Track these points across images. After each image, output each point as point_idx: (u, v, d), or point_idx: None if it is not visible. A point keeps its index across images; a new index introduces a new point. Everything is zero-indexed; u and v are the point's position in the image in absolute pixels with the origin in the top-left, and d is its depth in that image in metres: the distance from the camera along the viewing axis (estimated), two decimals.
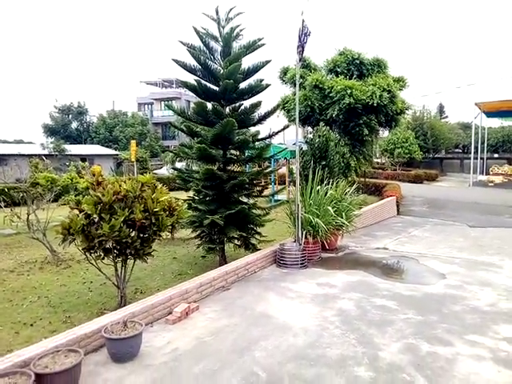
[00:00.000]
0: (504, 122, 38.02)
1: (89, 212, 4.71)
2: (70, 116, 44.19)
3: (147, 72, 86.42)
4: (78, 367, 3.20)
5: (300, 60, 6.74)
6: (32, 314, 5.15)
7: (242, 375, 3.41)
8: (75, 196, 10.12)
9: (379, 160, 36.77)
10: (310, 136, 13.55)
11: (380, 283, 5.83)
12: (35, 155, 20.46)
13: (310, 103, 14.42)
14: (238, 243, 7.38)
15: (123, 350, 3.64)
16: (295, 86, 7.99)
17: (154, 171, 25.24)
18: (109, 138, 41.43)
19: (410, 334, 4.13)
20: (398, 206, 13.99)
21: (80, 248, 4.88)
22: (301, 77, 13.84)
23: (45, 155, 27.87)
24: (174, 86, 50.06)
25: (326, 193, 7.27)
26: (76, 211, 4.94)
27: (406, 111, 15.76)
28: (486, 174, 27.37)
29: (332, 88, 13.97)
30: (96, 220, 4.69)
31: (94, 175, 5.41)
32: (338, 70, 15.08)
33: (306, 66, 15.71)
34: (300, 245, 6.74)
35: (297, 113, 7.19)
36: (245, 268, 6.20)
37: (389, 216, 13.04)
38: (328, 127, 11.11)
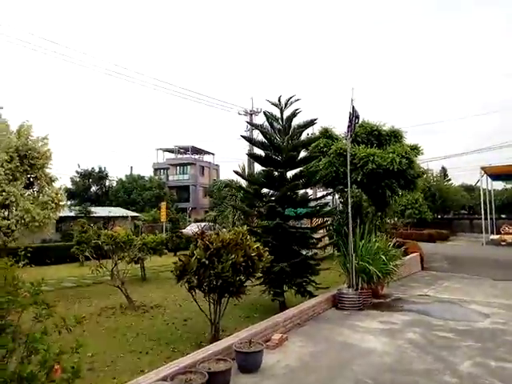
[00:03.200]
0: (507, 184, 39.81)
1: (198, 257, 5.82)
2: (91, 180, 46.48)
3: (162, 140, 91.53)
4: (229, 371, 4.12)
5: (350, 137, 8.27)
6: (140, 346, 6.00)
7: (352, 381, 4.28)
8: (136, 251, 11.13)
9: (390, 220, 37.93)
10: (336, 197, 14.91)
11: (434, 321, 6.70)
12: (79, 217, 21.74)
13: (334, 169, 16.03)
14: (296, 289, 8.31)
15: (251, 362, 4.55)
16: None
17: (180, 230, 26.40)
18: (127, 201, 43.21)
19: (476, 355, 5.00)
20: (421, 261, 14.89)
21: (187, 286, 5.90)
22: (325, 146, 15.73)
23: (72, 217, 29.36)
24: (190, 152, 53.17)
25: (375, 245, 8.39)
26: (183, 257, 6.05)
27: (423, 175, 17.31)
28: (497, 234, 28.29)
29: (355, 155, 15.64)
30: (206, 263, 5.77)
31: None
32: (359, 139, 16.90)
33: (329, 136, 17.64)
34: (356, 290, 7.70)
35: (348, 179, 8.57)
36: (312, 309, 7.11)
37: (415, 271, 13.90)
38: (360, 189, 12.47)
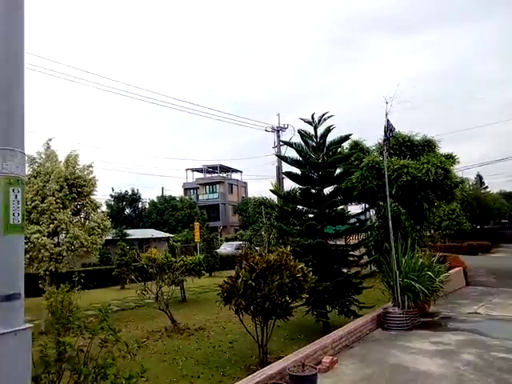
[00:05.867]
0: None
1: (244, 278, 5.89)
2: (124, 203, 47.98)
3: (190, 160, 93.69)
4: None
5: (387, 151, 8.22)
6: (190, 370, 6.07)
7: None
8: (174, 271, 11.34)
9: (426, 233, 36.72)
10: (372, 213, 14.67)
11: (489, 341, 6.40)
12: (116, 240, 22.43)
13: (367, 182, 15.83)
14: (339, 309, 8.17)
15: None
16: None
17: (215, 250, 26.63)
18: (159, 222, 44.18)
19: None
20: (465, 276, 14.28)
21: (234, 308, 5.96)
22: (356, 159, 15.62)
23: (109, 240, 30.31)
24: (218, 171, 54.03)
25: (418, 260, 8.17)
26: (228, 279, 6.13)
27: (460, 185, 16.80)
28: None
29: (388, 167, 15.41)
30: (253, 285, 5.83)
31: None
32: (391, 151, 16.65)
33: (359, 149, 17.52)
34: (403, 308, 7.49)
35: (387, 192, 8.47)
36: (359, 330, 6.97)
37: (460, 286, 13.33)
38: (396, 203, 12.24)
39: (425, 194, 15.28)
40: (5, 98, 2.67)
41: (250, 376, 4.64)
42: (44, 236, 8.14)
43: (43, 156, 9.06)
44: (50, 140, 9.21)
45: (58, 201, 8.42)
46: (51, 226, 8.32)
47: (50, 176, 8.62)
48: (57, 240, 8.76)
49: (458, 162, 16.37)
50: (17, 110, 2.71)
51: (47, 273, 8.47)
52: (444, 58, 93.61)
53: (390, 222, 8.21)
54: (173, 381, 5.50)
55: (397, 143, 16.73)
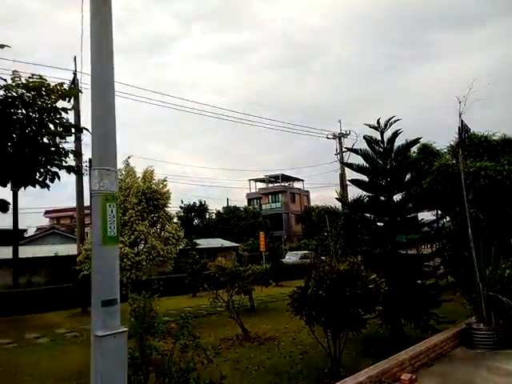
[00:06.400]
0: None
1: (315, 288, 5.84)
2: (193, 214, 50.20)
3: (252, 171, 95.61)
4: None
5: (462, 153, 7.70)
6: (263, 380, 6.10)
7: None
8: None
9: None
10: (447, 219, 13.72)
11: None
12: (187, 250, 23.49)
13: (439, 187, 14.84)
14: (415, 323, 7.72)
15: None
16: None
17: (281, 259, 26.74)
18: (225, 231, 45.49)
19: None
20: None
21: (304, 318, 5.93)
22: (426, 163, 14.75)
23: (180, 250, 31.81)
24: (280, 180, 54.35)
25: (505, 272, 7.45)
26: (298, 289, 6.13)
27: None
28: None
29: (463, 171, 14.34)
30: (323, 295, 5.76)
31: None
32: (465, 153, 15.49)
33: (429, 152, 16.53)
34: (489, 325, 6.86)
35: (464, 197, 7.91)
36: (439, 346, 6.52)
37: None
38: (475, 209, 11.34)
39: (507, 198, 13.94)
40: (101, 123, 3.02)
41: None
42: (126, 246, 8.87)
43: (123, 172, 9.94)
44: (129, 157, 10.09)
45: (138, 213, 9.15)
46: (132, 236, 9.06)
47: (129, 191, 9.42)
48: (137, 250, 9.48)
49: None
50: (111, 134, 3.05)
51: (129, 280, 9.18)
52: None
53: (470, 230, 7.61)
54: None
55: (472, 144, 15.53)
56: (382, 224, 8.27)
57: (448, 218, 15.45)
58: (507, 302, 6.83)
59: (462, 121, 7.55)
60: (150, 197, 9.58)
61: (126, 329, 2.80)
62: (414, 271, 7.70)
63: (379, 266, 7.70)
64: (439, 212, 16.77)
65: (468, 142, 15.86)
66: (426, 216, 16.71)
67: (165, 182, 9.98)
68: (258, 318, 11.33)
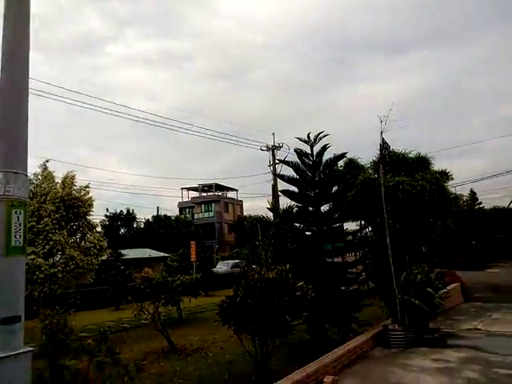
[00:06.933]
0: None
1: (243, 297, 5.84)
2: (119, 223, 47.59)
3: (184, 179, 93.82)
4: None
5: (382, 168, 8.33)
6: None
7: None
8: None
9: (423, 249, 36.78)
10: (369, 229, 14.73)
11: (491, 357, 6.35)
12: (110, 261, 22.06)
13: (363, 199, 15.91)
14: (338, 327, 8.08)
15: None
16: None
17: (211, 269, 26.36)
18: (155, 241, 43.80)
19: None
20: (463, 292, 14.25)
21: (232, 327, 5.88)
22: (351, 176, 15.78)
23: (103, 261, 29.92)
24: (214, 189, 54.04)
25: (417, 277, 8.16)
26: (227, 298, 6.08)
27: (455, 201, 16.96)
28: None
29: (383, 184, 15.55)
30: (252, 303, 5.77)
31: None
32: (386, 168, 16.83)
33: (355, 167, 17.68)
34: (403, 326, 7.43)
35: (384, 209, 8.53)
36: (359, 348, 6.89)
37: (458, 302, 13.26)
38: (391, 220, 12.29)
39: (420, 211, 15.40)
40: (9, 123, 2.72)
41: None
42: (39, 257, 8.06)
43: (40, 177, 9.07)
44: (47, 161, 9.25)
45: (54, 222, 8.38)
46: (47, 247, 8.25)
47: (46, 197, 8.60)
48: (52, 261, 8.66)
49: (452, 179, 16.60)
50: (20, 135, 2.75)
51: (41, 294, 8.34)
52: (435, 76, 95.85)
53: (388, 239, 8.23)
54: None
55: (391, 160, 16.94)
56: (310, 233, 8.57)
57: (370, 228, 16.61)
58: (419, 305, 7.46)
59: (382, 138, 8.21)
60: (70, 204, 8.85)
61: (30, 348, 2.50)
62: (339, 278, 8.08)
63: (307, 273, 7.95)
64: (362, 222, 17.96)
65: (388, 158, 17.34)
66: (350, 226, 17.74)
67: (87, 189, 9.28)
68: (185, 329, 11.00)
